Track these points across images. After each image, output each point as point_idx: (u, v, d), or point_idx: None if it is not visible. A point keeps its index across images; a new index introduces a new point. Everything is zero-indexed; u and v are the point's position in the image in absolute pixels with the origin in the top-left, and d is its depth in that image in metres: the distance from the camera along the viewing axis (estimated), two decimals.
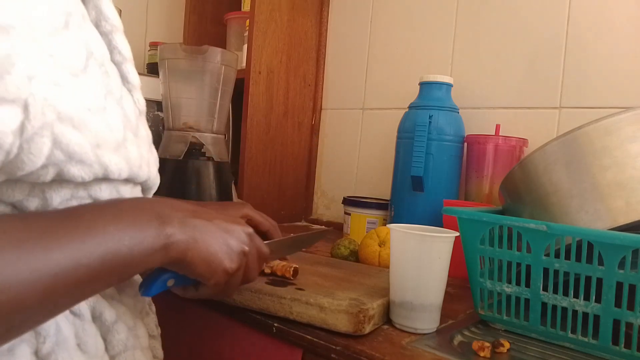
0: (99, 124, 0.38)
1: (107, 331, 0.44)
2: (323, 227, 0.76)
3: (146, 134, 0.47)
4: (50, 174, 0.35)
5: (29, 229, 0.33)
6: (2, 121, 0.31)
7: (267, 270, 0.67)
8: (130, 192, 0.44)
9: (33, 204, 0.37)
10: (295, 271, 0.66)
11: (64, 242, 0.33)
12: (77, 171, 0.36)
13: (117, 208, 0.39)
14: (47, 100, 0.33)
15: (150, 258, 0.39)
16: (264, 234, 0.68)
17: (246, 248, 0.48)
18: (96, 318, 0.43)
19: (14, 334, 0.33)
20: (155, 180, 0.48)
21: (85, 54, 0.39)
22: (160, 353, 0.52)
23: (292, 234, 0.68)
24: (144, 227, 0.38)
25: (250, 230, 0.50)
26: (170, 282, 0.46)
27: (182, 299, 0.52)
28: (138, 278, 0.53)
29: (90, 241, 0.34)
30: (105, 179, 0.39)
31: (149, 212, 0.40)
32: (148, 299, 0.52)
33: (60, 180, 0.36)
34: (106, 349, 0.43)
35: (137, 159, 0.43)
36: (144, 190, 0.48)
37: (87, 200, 0.39)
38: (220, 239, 0.46)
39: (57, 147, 0.34)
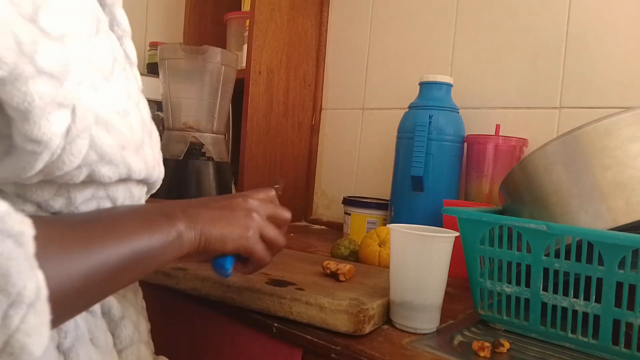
0: (124, 127, 0.40)
1: (116, 326, 0.45)
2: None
3: (156, 134, 0.49)
4: (82, 175, 0.37)
5: (70, 230, 0.35)
6: (56, 124, 0.33)
7: (329, 271, 0.68)
8: (140, 191, 0.46)
9: (58, 203, 0.38)
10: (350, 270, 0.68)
11: (101, 240, 0.36)
12: (106, 171, 0.39)
13: (133, 212, 0.43)
14: (88, 104, 0.36)
15: (167, 251, 0.41)
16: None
17: (249, 207, 0.50)
18: (105, 313, 0.45)
19: (58, 322, 0.34)
20: (161, 180, 0.50)
21: (112, 58, 0.41)
22: (152, 346, 0.53)
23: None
24: (158, 225, 0.41)
25: (252, 198, 0.51)
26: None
27: (181, 298, 0.52)
28: None
29: (119, 239, 0.37)
30: (125, 179, 0.42)
31: (158, 212, 0.43)
32: (140, 295, 0.53)
33: (86, 181, 0.38)
34: (114, 343, 0.45)
35: (152, 160, 0.45)
36: (148, 190, 0.49)
37: (106, 199, 0.42)
38: (223, 213, 0.48)
39: (92, 148, 0.36)
